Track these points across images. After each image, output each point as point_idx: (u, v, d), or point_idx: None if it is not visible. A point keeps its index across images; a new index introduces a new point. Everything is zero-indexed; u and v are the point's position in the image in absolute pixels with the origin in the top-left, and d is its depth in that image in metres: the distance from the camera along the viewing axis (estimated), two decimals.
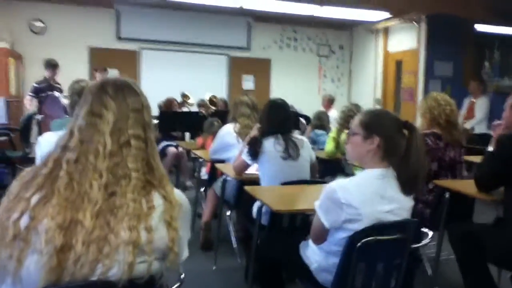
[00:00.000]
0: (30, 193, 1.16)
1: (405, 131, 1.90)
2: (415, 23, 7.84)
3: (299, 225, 2.74)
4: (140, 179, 1.21)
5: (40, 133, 5.85)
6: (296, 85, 9.43)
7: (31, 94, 6.32)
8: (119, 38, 8.47)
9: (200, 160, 4.36)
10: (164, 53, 8.67)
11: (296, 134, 3.30)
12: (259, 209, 2.62)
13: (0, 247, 1.14)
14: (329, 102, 7.66)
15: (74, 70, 7.69)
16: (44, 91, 6.23)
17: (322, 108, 7.50)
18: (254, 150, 2.96)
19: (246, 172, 3.16)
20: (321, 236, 1.94)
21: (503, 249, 2.43)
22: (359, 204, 1.79)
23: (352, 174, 3.98)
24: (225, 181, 3.48)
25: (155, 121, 5.95)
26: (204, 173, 4.42)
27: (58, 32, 8.12)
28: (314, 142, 5.21)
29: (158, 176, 1.26)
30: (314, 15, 7.87)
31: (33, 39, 8.02)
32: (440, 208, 2.98)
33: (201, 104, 7.40)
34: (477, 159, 4.21)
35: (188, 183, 6.12)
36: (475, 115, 6.69)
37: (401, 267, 1.97)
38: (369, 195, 1.83)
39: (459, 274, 2.69)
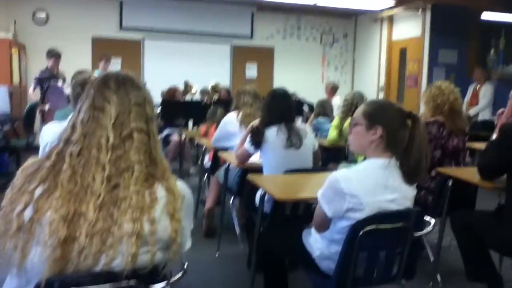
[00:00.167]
0: (33, 185, 1.17)
1: (408, 122, 1.90)
2: (419, 12, 7.77)
3: (302, 213, 2.74)
4: (143, 171, 1.21)
5: (43, 122, 5.88)
6: (299, 74, 9.40)
7: (34, 84, 6.33)
8: (122, 28, 8.46)
9: (203, 148, 4.37)
10: (167, 42, 8.65)
11: (299, 123, 3.29)
12: (262, 197, 2.63)
13: (5, 238, 1.15)
14: (333, 89, 7.63)
15: (77, 60, 7.69)
16: (47, 80, 6.22)
17: (325, 96, 7.50)
18: (256, 139, 2.96)
19: (249, 160, 3.16)
20: (324, 225, 1.95)
21: (504, 236, 2.43)
22: (362, 194, 1.79)
23: (355, 162, 3.98)
24: (227, 169, 3.49)
25: (158, 110, 5.97)
26: (207, 160, 4.43)
27: (61, 22, 8.11)
28: (317, 129, 5.21)
29: (161, 169, 1.26)
30: (318, 4, 7.83)
31: (36, 29, 8.02)
32: (443, 195, 2.99)
33: (204, 92, 7.39)
34: (480, 146, 4.23)
35: (191, 170, 6.14)
36: (479, 102, 6.67)
37: (403, 255, 1.98)
38: (372, 184, 1.83)
39: (461, 261, 2.71)
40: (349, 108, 4.18)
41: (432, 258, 3.11)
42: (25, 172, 1.22)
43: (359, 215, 1.81)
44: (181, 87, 7.15)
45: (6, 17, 7.69)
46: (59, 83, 6.16)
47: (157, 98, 6.72)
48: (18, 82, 7.28)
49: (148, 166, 1.23)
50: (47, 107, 5.69)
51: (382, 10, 8.47)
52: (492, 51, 7.84)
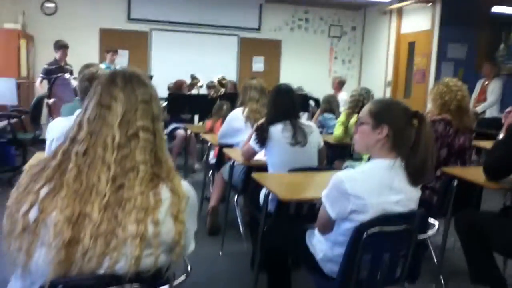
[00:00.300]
0: (39, 185, 1.17)
1: (415, 121, 1.88)
2: (429, 4, 7.69)
3: (306, 212, 2.74)
4: (148, 171, 1.21)
5: (50, 114, 5.90)
6: (307, 67, 9.35)
7: (42, 75, 6.36)
8: (130, 19, 8.43)
9: (209, 144, 4.38)
10: (174, 34, 8.63)
11: (304, 120, 3.28)
12: (266, 196, 2.63)
13: (10, 239, 1.16)
14: (339, 84, 7.59)
15: (85, 51, 7.75)
16: (54, 72, 6.25)
17: (332, 90, 7.47)
18: (261, 137, 2.96)
19: (254, 158, 3.16)
20: (328, 226, 1.94)
21: (509, 238, 2.42)
22: (366, 195, 1.79)
23: (361, 159, 3.97)
24: (232, 166, 3.49)
25: (164, 103, 5.97)
26: (212, 157, 4.43)
27: (70, 13, 8.10)
28: (323, 126, 5.20)
29: (166, 169, 1.26)
30: None
31: (44, 20, 8.01)
32: (448, 196, 2.97)
33: (210, 86, 7.38)
34: (487, 144, 4.20)
35: (196, 166, 6.15)
36: (487, 98, 6.59)
37: (407, 257, 1.98)
38: (377, 186, 1.82)
39: (465, 262, 2.70)
40: (356, 104, 4.16)
41: (435, 259, 3.10)
42: (30, 171, 1.23)
43: (363, 217, 1.80)
44: (187, 80, 7.14)
45: (15, 8, 7.69)
46: (66, 75, 6.18)
47: (163, 91, 6.75)
48: (26, 74, 7.29)
49: (153, 166, 1.23)
50: (53, 100, 5.71)
51: (391, 2, 8.39)
52: (502, 45, 7.73)
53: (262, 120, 3.08)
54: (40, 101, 5.74)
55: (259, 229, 2.65)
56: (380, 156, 1.88)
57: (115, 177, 1.17)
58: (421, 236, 2.02)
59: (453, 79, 3.31)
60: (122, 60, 8.01)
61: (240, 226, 3.66)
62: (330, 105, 5.28)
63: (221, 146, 3.90)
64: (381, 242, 1.87)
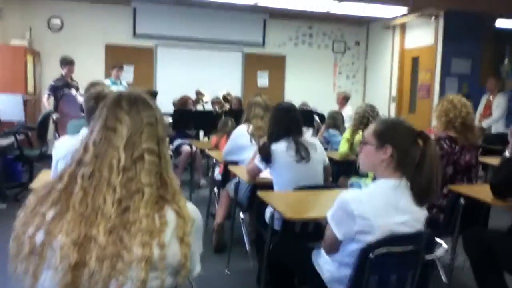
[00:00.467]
0: (45, 208, 1.18)
1: (420, 141, 1.89)
2: (432, 19, 7.72)
3: (312, 230, 2.74)
4: (153, 194, 1.21)
5: (56, 130, 5.94)
6: (311, 82, 9.40)
7: (48, 92, 6.42)
8: (135, 35, 8.52)
9: (214, 160, 4.38)
10: (179, 49, 8.70)
11: (309, 136, 3.29)
12: (272, 214, 2.63)
13: (16, 261, 1.17)
14: (344, 99, 7.59)
15: (90, 67, 7.83)
16: (60, 89, 6.31)
17: (336, 105, 7.49)
18: (265, 156, 2.97)
19: (260, 175, 3.16)
20: (334, 247, 1.94)
21: None
22: (372, 216, 1.78)
23: (366, 176, 3.96)
24: (238, 183, 3.49)
25: (169, 119, 6.00)
26: (217, 173, 4.44)
27: (76, 30, 8.21)
28: (328, 142, 5.21)
29: (171, 191, 1.26)
30: (330, 11, 7.83)
31: (51, 36, 8.12)
32: (455, 214, 2.96)
33: (215, 101, 7.42)
34: (493, 160, 4.18)
35: (202, 181, 6.15)
36: (492, 113, 6.58)
37: (414, 278, 1.96)
38: (383, 206, 1.82)
39: (474, 281, 2.67)
40: (361, 121, 4.17)
41: (444, 278, 3.07)
42: (37, 193, 1.24)
43: (370, 238, 1.80)
44: (192, 95, 7.18)
45: (22, 24, 7.80)
46: (73, 92, 6.23)
47: (169, 106, 6.78)
48: (33, 90, 7.35)
49: (159, 188, 1.23)
50: (59, 116, 5.74)
51: (394, 18, 8.44)
52: (506, 60, 7.74)
53: (264, 139, 3.09)
54: (46, 117, 5.78)
55: (265, 247, 2.64)
56: (385, 176, 1.88)
57: (121, 199, 1.18)
58: (429, 257, 2.01)
59: (458, 96, 3.31)
60: (127, 76, 8.08)
61: (246, 243, 3.64)
62: (335, 121, 5.29)
63: (227, 163, 3.90)
64: (388, 263, 1.86)
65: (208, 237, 3.86)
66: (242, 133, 3.80)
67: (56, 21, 8.18)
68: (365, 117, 4.18)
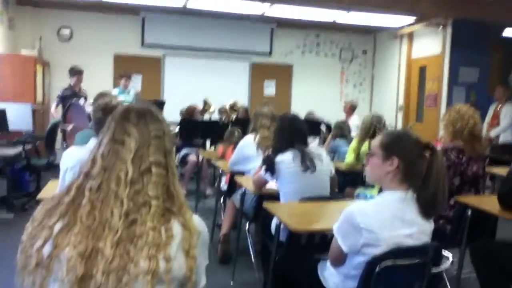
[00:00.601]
0: (53, 221, 1.19)
1: (426, 153, 1.88)
2: (440, 28, 7.71)
3: (318, 242, 2.73)
4: (160, 206, 1.22)
5: (64, 140, 5.98)
6: (318, 90, 9.41)
7: (57, 101, 6.47)
8: (144, 45, 8.58)
9: (220, 170, 4.39)
10: (187, 59, 8.75)
11: (315, 145, 3.29)
12: (278, 225, 2.62)
13: (24, 274, 1.17)
14: (351, 108, 7.59)
15: (99, 77, 7.90)
16: (69, 98, 6.34)
17: (343, 114, 7.48)
18: (269, 168, 2.97)
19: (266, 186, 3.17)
20: (340, 259, 1.93)
21: None
22: (378, 229, 1.78)
23: (373, 186, 3.95)
24: (244, 193, 3.49)
25: (176, 128, 6.03)
26: (223, 183, 4.44)
27: (85, 40, 8.28)
28: (334, 151, 5.20)
29: (178, 203, 1.27)
30: (337, 21, 7.86)
31: (60, 46, 8.19)
32: (462, 225, 2.94)
33: (222, 110, 7.44)
34: (501, 170, 4.15)
35: (208, 191, 6.16)
36: (500, 122, 6.54)
37: None
38: (389, 219, 1.81)
39: None
40: (367, 131, 4.16)
41: None
42: (45, 206, 1.25)
43: (376, 251, 1.79)
44: (200, 104, 7.21)
45: (32, 34, 7.88)
46: (81, 101, 6.27)
47: (176, 116, 6.81)
48: (42, 99, 7.42)
49: (166, 200, 1.24)
50: (69, 127, 5.79)
51: (402, 27, 8.45)
52: None
53: (270, 150, 3.10)
54: (55, 127, 5.82)
55: (270, 258, 2.64)
56: (391, 188, 1.88)
57: (128, 212, 1.18)
58: (435, 269, 1.99)
59: (465, 106, 3.30)
60: (135, 85, 8.13)
61: (252, 254, 3.63)
62: (342, 130, 5.28)
63: (233, 173, 3.91)
64: (394, 276, 1.86)
65: (213, 247, 3.85)
66: (248, 144, 3.81)
67: (66, 31, 8.26)
68: (372, 127, 4.17)
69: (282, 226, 2.60)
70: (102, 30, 8.35)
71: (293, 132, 3.06)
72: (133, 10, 8.17)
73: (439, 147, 3.96)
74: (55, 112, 6.48)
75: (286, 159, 2.97)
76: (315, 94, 9.29)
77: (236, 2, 6.88)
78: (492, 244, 2.85)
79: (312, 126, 5.84)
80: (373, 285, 1.80)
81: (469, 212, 2.88)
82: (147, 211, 1.20)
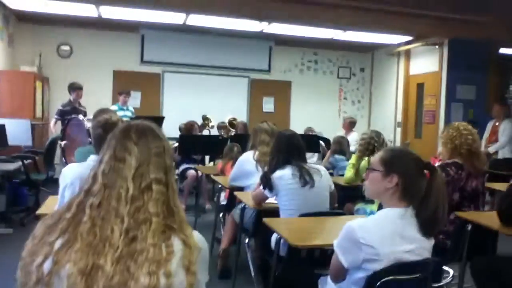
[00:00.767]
0: (53, 237, 1.19)
1: (426, 172, 1.89)
2: (437, 46, 7.81)
3: (318, 256, 2.72)
4: (160, 223, 1.22)
5: (63, 155, 5.98)
6: (316, 107, 9.46)
7: (56, 117, 6.49)
8: (143, 62, 8.65)
9: (219, 185, 4.39)
10: (186, 75, 8.81)
11: (314, 160, 3.30)
12: (278, 240, 2.62)
13: None
14: (350, 124, 7.62)
15: (98, 93, 7.94)
16: (68, 114, 6.38)
17: (342, 130, 7.51)
18: (266, 184, 2.99)
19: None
20: (340, 275, 1.92)
21: None
22: (378, 244, 1.78)
23: (372, 202, 3.95)
24: (243, 208, 3.49)
25: (175, 144, 6.04)
26: (223, 198, 4.44)
27: (84, 56, 8.34)
28: (333, 167, 5.21)
29: (178, 220, 1.27)
30: (334, 38, 7.94)
31: (60, 62, 8.25)
32: (462, 240, 2.93)
33: (221, 126, 7.47)
34: (500, 186, 4.16)
35: (207, 206, 6.15)
36: (498, 139, 6.58)
37: None
38: (389, 234, 1.81)
39: None
40: (366, 147, 4.16)
41: None
42: (45, 223, 1.24)
43: (376, 266, 1.79)
44: (199, 120, 7.24)
45: (32, 50, 7.94)
46: (80, 117, 6.30)
47: (175, 131, 6.83)
48: (41, 115, 7.44)
49: (166, 217, 1.24)
50: (66, 142, 5.80)
51: (399, 45, 8.54)
52: (511, 86, 7.78)
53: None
54: (54, 142, 5.83)
55: (271, 273, 2.62)
56: (391, 204, 1.89)
57: (128, 229, 1.18)
58: (436, 285, 1.99)
59: (463, 123, 3.32)
60: (134, 102, 8.17)
61: (252, 269, 3.61)
62: (341, 146, 5.30)
63: (232, 189, 3.91)
64: None
65: (213, 262, 3.83)
66: (248, 159, 3.82)
67: (66, 48, 8.33)
68: (371, 143, 4.18)
69: (282, 241, 2.59)
70: (101, 47, 8.42)
71: (290, 149, 3.07)
72: (132, 28, 8.25)
73: (438, 163, 3.98)
74: (54, 128, 6.50)
75: (285, 175, 2.98)
76: (313, 110, 9.34)
77: (235, 19, 6.96)
78: (493, 259, 2.85)
79: (311, 141, 5.85)
80: None
81: (469, 227, 2.88)
82: (147, 228, 1.20)
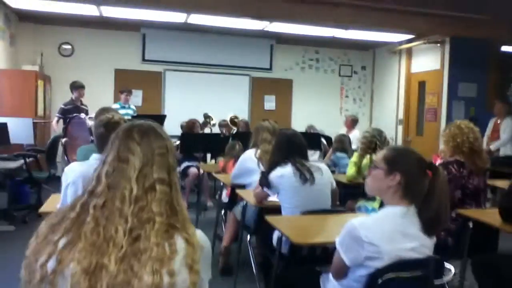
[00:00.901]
0: (57, 236, 1.19)
1: (429, 172, 1.89)
2: (438, 44, 7.80)
3: (320, 254, 2.73)
4: (164, 222, 1.23)
5: (65, 153, 6.00)
6: (318, 105, 9.46)
7: (58, 115, 6.51)
8: (144, 60, 8.65)
9: (221, 183, 4.39)
10: (187, 74, 8.81)
11: (316, 158, 3.30)
12: (279, 238, 2.63)
13: None
14: (352, 122, 7.64)
15: (100, 91, 7.95)
16: (70, 112, 6.39)
17: (343, 128, 7.52)
18: (264, 182, 3.00)
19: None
20: (342, 272, 1.93)
21: None
22: (380, 242, 1.79)
23: (374, 199, 3.95)
24: (245, 206, 3.50)
25: (177, 142, 6.05)
26: (224, 196, 4.44)
27: (86, 55, 8.35)
28: (335, 164, 5.21)
29: (181, 219, 1.27)
30: (336, 36, 7.94)
31: (61, 61, 8.26)
32: (463, 237, 2.94)
33: (222, 124, 7.47)
34: (501, 184, 4.16)
35: (209, 203, 6.17)
36: (500, 136, 6.58)
37: None
38: (391, 232, 1.82)
39: None
40: (368, 145, 4.16)
41: None
42: (49, 221, 1.25)
43: (378, 264, 1.79)
44: (200, 118, 7.24)
45: (34, 49, 7.95)
46: (82, 115, 6.31)
47: (176, 130, 6.83)
48: (43, 113, 7.45)
49: (169, 217, 1.25)
50: (68, 140, 5.81)
51: (400, 43, 8.53)
52: None
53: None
54: (56, 140, 5.84)
55: (272, 271, 2.63)
56: (393, 203, 1.89)
57: (132, 229, 1.19)
58: (437, 282, 1.99)
59: (465, 121, 3.32)
60: (136, 100, 8.18)
61: (253, 266, 3.61)
62: (342, 144, 5.30)
63: (234, 186, 3.91)
64: None
65: (214, 259, 3.82)
66: (250, 157, 3.82)
67: (67, 47, 8.33)
68: (373, 141, 4.18)
69: (283, 239, 2.60)
70: (103, 46, 8.42)
71: (291, 148, 3.08)
72: (133, 27, 8.26)
73: (439, 161, 3.98)
74: (56, 126, 6.51)
75: (286, 174, 2.98)
76: (315, 108, 9.34)
77: (236, 18, 6.96)
78: (494, 257, 2.86)
79: (313, 139, 5.86)
80: None
81: (471, 225, 2.88)
82: (151, 227, 1.20)
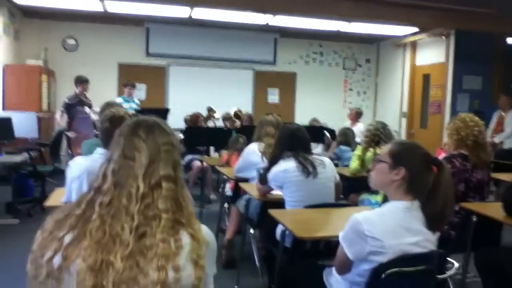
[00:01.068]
0: (63, 232, 1.19)
1: (434, 168, 1.88)
2: (443, 37, 7.76)
3: (323, 248, 2.73)
4: (170, 219, 1.22)
5: (69, 147, 6.03)
6: (321, 98, 9.44)
7: (62, 109, 6.53)
8: (148, 54, 8.65)
9: (225, 176, 4.41)
10: (191, 68, 8.81)
11: (319, 151, 3.30)
12: (283, 232, 2.63)
13: (34, 284, 1.18)
14: (357, 115, 7.62)
15: (104, 86, 7.97)
16: (74, 106, 6.41)
17: (347, 121, 7.50)
18: (264, 183, 3.01)
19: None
20: (345, 267, 1.93)
21: None
22: (384, 237, 1.78)
23: (377, 192, 3.95)
24: (248, 199, 3.50)
25: (181, 136, 6.06)
26: (228, 189, 4.45)
27: (90, 49, 8.36)
28: (339, 158, 5.20)
29: (187, 215, 1.27)
30: (340, 30, 7.91)
31: (65, 56, 8.27)
32: (467, 231, 2.94)
33: (226, 118, 7.47)
34: (505, 176, 4.15)
35: (212, 196, 6.19)
36: (504, 129, 6.56)
37: None
38: (394, 227, 1.82)
39: None
40: (372, 139, 4.16)
41: None
42: (54, 217, 1.25)
43: (382, 258, 1.79)
44: (204, 112, 7.25)
45: (38, 44, 7.96)
46: (86, 109, 6.32)
47: (180, 123, 6.84)
48: (47, 107, 7.48)
49: (175, 212, 1.24)
50: (72, 134, 5.83)
51: (405, 36, 8.49)
52: None
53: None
54: (60, 134, 5.86)
55: (275, 264, 2.64)
56: (396, 197, 1.89)
57: (138, 226, 1.19)
58: (441, 276, 1.99)
59: (469, 115, 3.30)
60: (140, 94, 8.19)
61: (256, 260, 3.63)
62: (346, 137, 5.30)
63: (237, 180, 3.92)
64: (400, 283, 1.85)
65: (218, 252, 3.84)
66: (254, 151, 3.82)
67: (71, 41, 8.34)
68: (377, 135, 4.17)
69: (287, 232, 2.60)
70: (107, 41, 8.43)
71: (294, 143, 3.07)
72: (137, 21, 8.25)
73: (443, 154, 3.97)
74: (60, 120, 6.53)
75: (290, 168, 2.98)
76: (318, 102, 9.32)
77: (239, 12, 6.94)
78: (497, 250, 2.85)
79: (316, 132, 5.86)
80: None
81: (474, 218, 2.88)
82: (157, 224, 1.20)
